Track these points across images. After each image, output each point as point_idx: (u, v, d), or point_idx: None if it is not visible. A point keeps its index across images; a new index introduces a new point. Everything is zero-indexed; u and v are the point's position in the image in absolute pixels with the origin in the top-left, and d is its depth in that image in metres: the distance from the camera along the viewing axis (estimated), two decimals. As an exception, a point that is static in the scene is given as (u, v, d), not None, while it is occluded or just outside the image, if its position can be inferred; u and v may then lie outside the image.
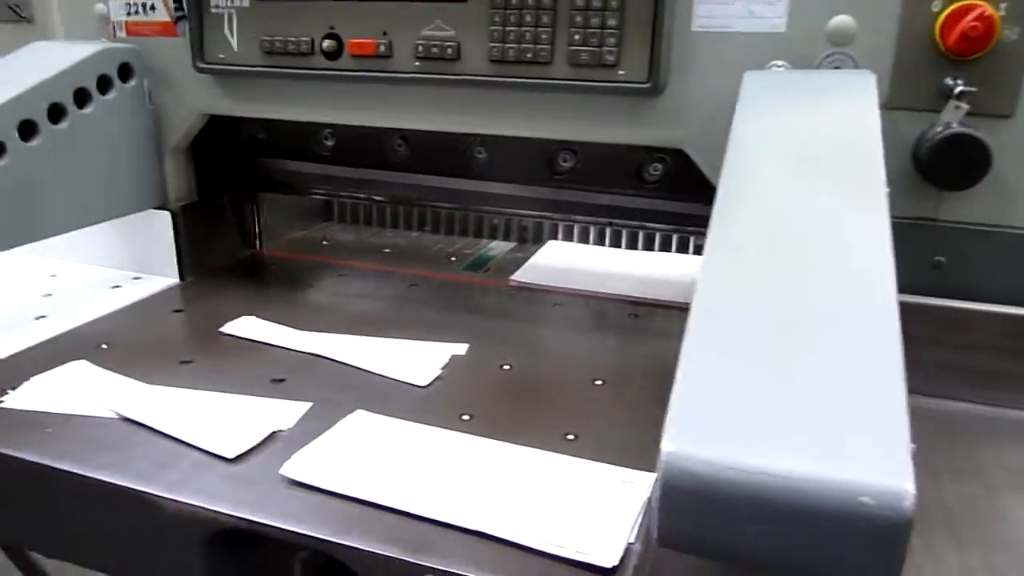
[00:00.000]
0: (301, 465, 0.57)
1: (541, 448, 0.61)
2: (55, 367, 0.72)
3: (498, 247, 1.16)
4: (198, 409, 0.65)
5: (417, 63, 0.79)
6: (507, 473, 0.57)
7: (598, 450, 0.61)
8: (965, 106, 0.64)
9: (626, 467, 0.58)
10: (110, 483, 0.56)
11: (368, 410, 0.66)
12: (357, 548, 0.50)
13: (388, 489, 0.54)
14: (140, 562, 0.57)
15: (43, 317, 0.85)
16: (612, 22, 0.71)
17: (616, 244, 1.14)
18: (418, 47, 0.78)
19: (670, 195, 0.88)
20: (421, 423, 0.64)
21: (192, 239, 0.98)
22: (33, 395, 0.68)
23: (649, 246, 1.13)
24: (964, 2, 0.63)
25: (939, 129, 0.65)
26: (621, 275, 1.02)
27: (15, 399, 0.67)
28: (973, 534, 0.52)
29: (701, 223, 0.70)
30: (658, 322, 0.90)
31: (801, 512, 0.33)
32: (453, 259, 1.11)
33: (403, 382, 0.72)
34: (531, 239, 1.19)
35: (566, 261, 1.08)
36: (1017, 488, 0.58)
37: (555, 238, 1.17)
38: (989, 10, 0.62)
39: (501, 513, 0.52)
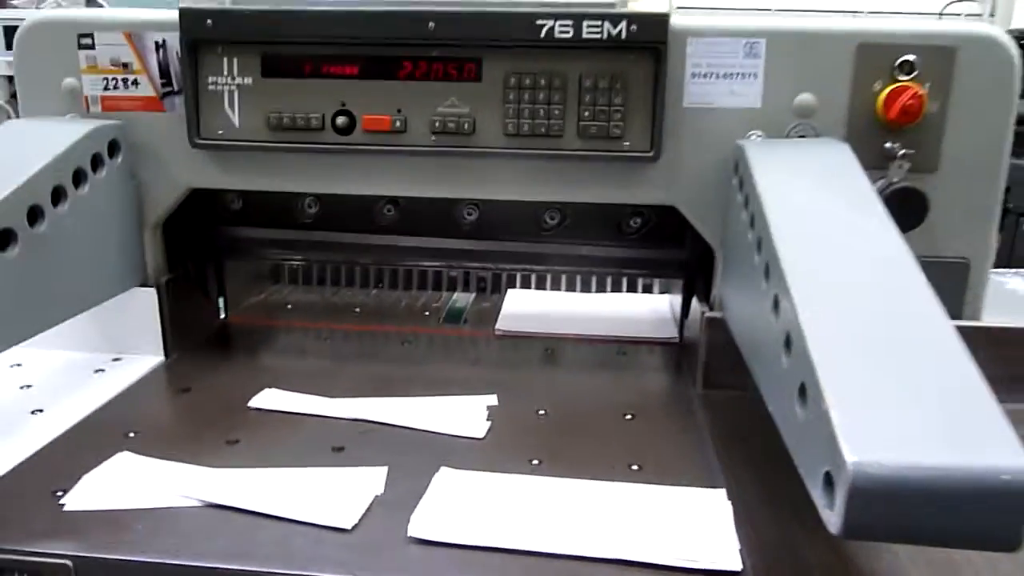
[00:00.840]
0: (424, 523, 0.60)
1: (618, 480, 0.68)
2: (93, 462, 0.69)
3: (462, 298, 1.22)
4: (283, 485, 0.66)
5: (433, 137, 0.84)
6: (607, 505, 0.64)
7: (663, 475, 0.69)
8: (906, 165, 0.81)
9: (696, 487, 0.67)
10: (244, 570, 0.56)
11: (443, 466, 0.70)
12: (516, 592, 0.54)
13: (514, 534, 0.59)
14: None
15: (40, 411, 0.80)
16: (617, 100, 0.82)
17: (570, 289, 1.24)
18: (434, 122, 0.84)
19: (644, 244, 0.99)
20: (502, 472, 0.69)
21: (173, 314, 0.96)
22: (92, 494, 0.65)
23: (601, 288, 1.23)
24: (900, 84, 0.80)
25: (886, 184, 0.81)
26: (591, 317, 1.11)
27: (75, 500, 0.64)
28: None
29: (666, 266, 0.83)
30: (643, 357, 1.00)
31: (960, 493, 0.43)
32: (427, 313, 1.15)
33: (461, 436, 0.76)
34: (489, 288, 1.25)
35: (534, 308, 1.16)
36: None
37: (512, 286, 1.25)
38: (920, 90, 0.79)
39: (625, 540, 0.58)
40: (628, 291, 1.23)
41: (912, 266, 0.60)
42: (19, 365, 0.92)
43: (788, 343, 0.56)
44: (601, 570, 0.57)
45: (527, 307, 1.16)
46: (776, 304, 0.61)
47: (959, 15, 6.41)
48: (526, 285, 1.25)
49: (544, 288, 1.24)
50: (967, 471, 0.43)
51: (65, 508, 0.63)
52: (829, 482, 0.46)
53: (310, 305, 1.19)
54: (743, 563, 0.57)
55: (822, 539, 0.61)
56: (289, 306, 1.18)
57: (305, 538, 0.60)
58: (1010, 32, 3.39)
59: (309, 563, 0.57)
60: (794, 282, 0.58)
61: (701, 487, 0.67)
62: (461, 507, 0.63)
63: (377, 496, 0.65)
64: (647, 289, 1.23)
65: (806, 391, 0.52)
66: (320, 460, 0.71)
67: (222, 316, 1.10)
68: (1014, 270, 3.74)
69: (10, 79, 4.28)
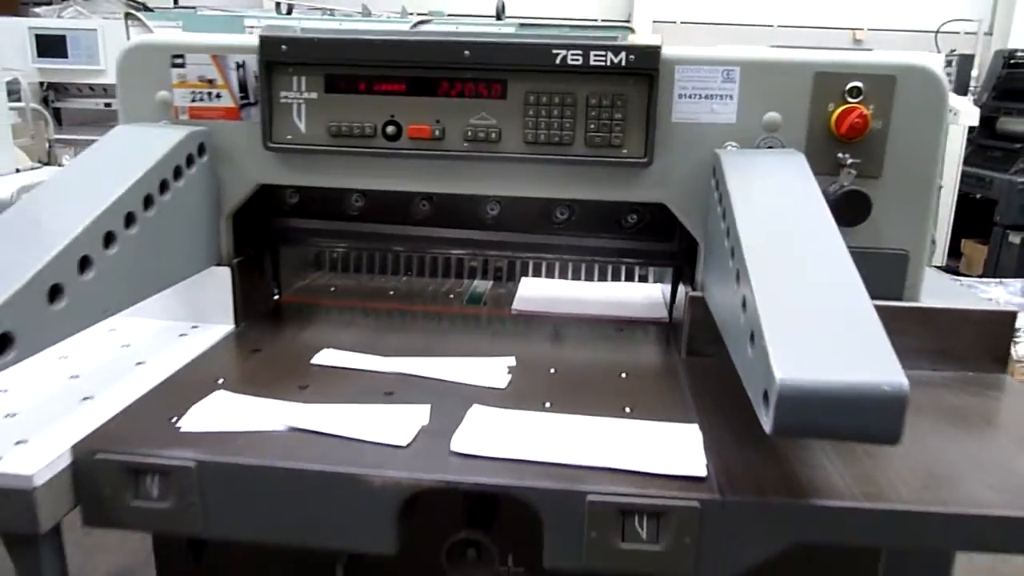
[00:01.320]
0: (462, 442, 0.78)
1: (615, 417, 0.86)
2: (195, 399, 0.87)
3: (481, 285, 1.40)
4: (349, 417, 0.84)
5: (465, 144, 1.02)
6: (606, 433, 0.81)
7: (649, 415, 0.87)
8: (854, 172, 0.98)
9: (675, 423, 0.84)
10: (329, 471, 0.74)
11: (475, 404, 0.87)
12: (535, 487, 0.72)
13: (530, 450, 0.77)
14: (346, 533, 0.75)
15: (142, 363, 0.98)
16: (618, 116, 1.00)
17: (576, 277, 1.42)
18: (467, 132, 1.02)
19: (640, 238, 1.17)
20: (521, 410, 0.87)
21: (242, 290, 1.14)
22: (200, 420, 0.83)
23: (603, 278, 1.41)
24: (849, 105, 0.98)
25: (838, 187, 0.99)
26: (593, 301, 1.29)
27: (188, 424, 0.82)
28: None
29: (658, 257, 1.00)
30: (637, 333, 1.18)
31: (856, 400, 0.61)
32: (451, 296, 1.33)
33: (487, 387, 0.94)
34: (504, 276, 1.43)
35: (545, 293, 1.34)
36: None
37: (525, 275, 1.42)
38: (866, 110, 0.97)
39: (621, 455, 0.76)
40: (626, 280, 1.41)
41: (840, 248, 0.77)
42: (114, 330, 1.09)
43: (744, 304, 0.74)
44: (597, 475, 0.74)
45: (539, 292, 1.34)
46: (738, 277, 0.79)
47: (957, 33, 6.59)
48: (537, 273, 1.42)
49: (553, 276, 1.42)
50: (860, 384, 0.61)
51: (181, 429, 0.81)
52: (766, 397, 0.64)
53: (350, 289, 1.37)
54: (708, 471, 0.75)
55: (773, 461, 0.78)
56: (332, 289, 1.36)
57: (372, 451, 0.78)
58: (999, 52, 3.56)
59: (379, 466, 0.75)
60: (750, 260, 0.76)
61: (679, 423, 0.85)
62: (490, 432, 0.81)
63: (423, 426, 0.83)
64: (643, 279, 1.40)
65: (754, 337, 0.69)
66: (375, 400, 0.89)
67: (276, 296, 1.28)
68: (998, 280, 3.90)
69: (41, 84, 4.49)
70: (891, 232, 1.02)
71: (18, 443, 0.77)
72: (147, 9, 5.47)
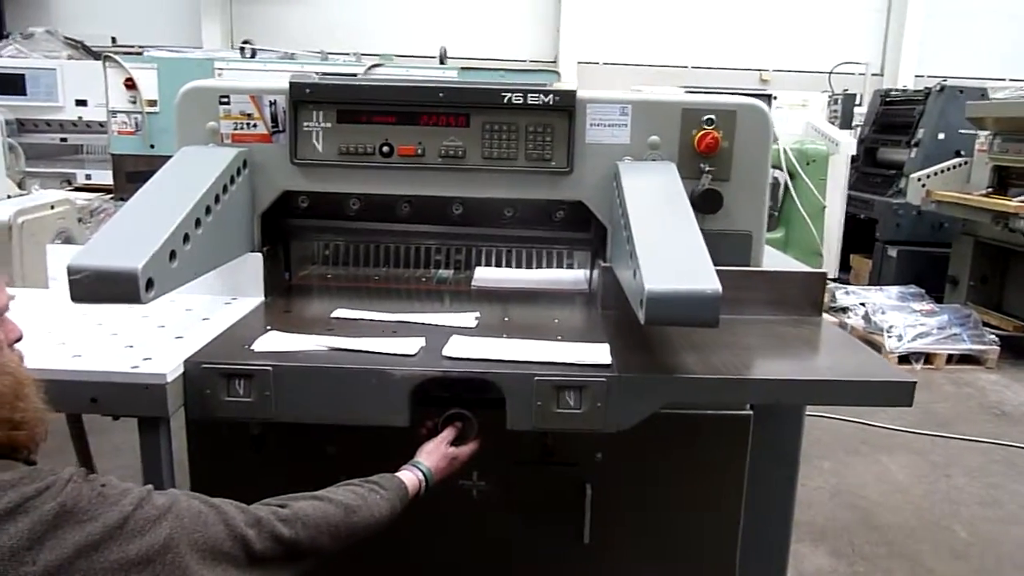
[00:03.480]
0: (453, 349, 1.18)
1: (552, 341, 1.26)
2: (257, 336, 1.23)
3: (444, 273, 1.79)
4: (369, 343, 1.22)
5: (440, 159, 1.43)
6: (546, 347, 1.22)
7: (576, 340, 1.28)
8: (710, 176, 1.43)
9: (593, 343, 1.25)
10: (364, 368, 1.12)
11: (454, 335, 1.27)
12: (501, 373, 1.12)
13: (500, 353, 1.17)
14: (374, 412, 1.13)
15: (207, 319, 1.34)
16: (548, 138, 1.42)
17: (519, 264, 1.82)
18: (441, 150, 1.43)
19: (565, 228, 1.59)
20: (488, 337, 1.26)
21: (269, 271, 1.50)
22: (266, 345, 1.19)
23: (539, 264, 1.82)
24: (705, 131, 1.43)
25: (700, 187, 1.43)
26: (534, 279, 1.70)
27: (258, 346, 1.18)
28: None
29: (580, 243, 1.44)
30: (567, 299, 1.59)
31: (690, 299, 1.03)
32: (423, 280, 1.72)
33: (462, 326, 1.33)
34: (463, 265, 1.83)
35: (495, 276, 1.74)
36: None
37: (480, 264, 1.82)
38: (717, 134, 1.42)
39: (556, 355, 1.16)
40: (557, 267, 1.83)
41: (692, 224, 1.21)
42: (174, 301, 1.44)
43: (631, 255, 1.16)
44: (541, 367, 1.14)
45: (490, 275, 1.74)
46: (628, 239, 1.21)
47: (851, 74, 7.37)
48: (489, 263, 1.83)
49: (501, 265, 1.82)
50: (694, 289, 1.04)
51: (255, 350, 1.18)
52: (641, 303, 1.06)
53: (344, 276, 1.74)
54: (611, 362, 1.16)
55: (653, 358, 1.20)
56: (329, 276, 1.73)
57: (390, 359, 1.16)
58: (877, 91, 4.19)
59: (396, 365, 1.13)
60: (636, 231, 1.18)
61: (595, 343, 1.26)
62: (469, 346, 1.20)
63: (422, 346, 1.22)
64: (569, 267, 1.82)
65: (635, 272, 1.11)
66: (386, 335, 1.27)
67: (290, 279, 1.64)
68: (879, 287, 4.54)
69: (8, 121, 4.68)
70: (738, 218, 1.47)
71: (145, 359, 1.12)
72: (86, 49, 5.69)
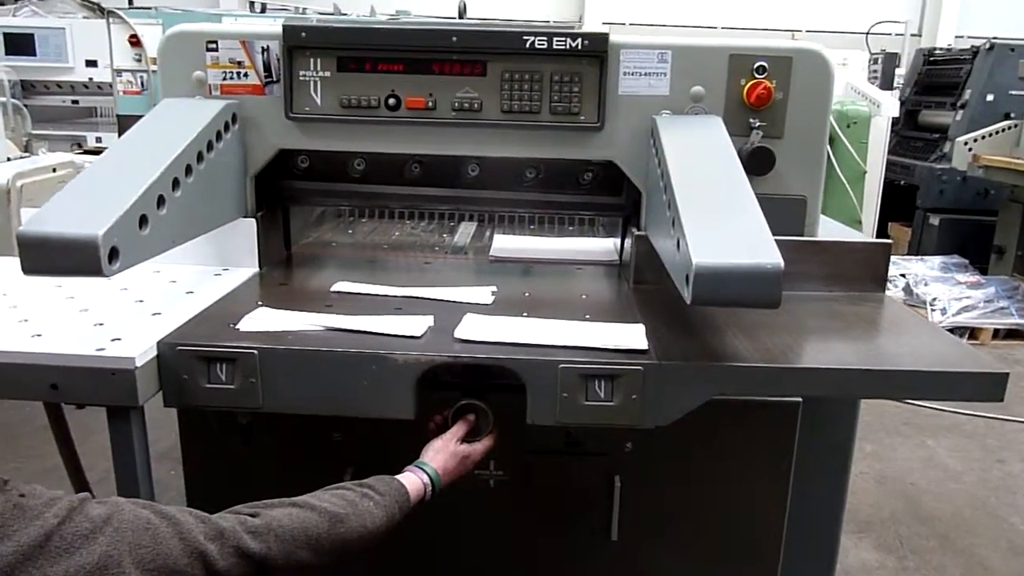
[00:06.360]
0: (465, 331, 1.02)
1: (579, 321, 1.10)
2: (245, 312, 1.09)
3: (461, 239, 1.63)
4: (370, 322, 1.06)
5: (453, 113, 1.26)
6: (571, 328, 1.06)
7: (606, 320, 1.12)
8: (761, 133, 1.25)
9: (626, 323, 1.09)
10: (362, 352, 0.97)
11: (468, 313, 1.11)
12: (520, 359, 0.96)
13: (518, 335, 1.01)
14: (375, 403, 0.98)
15: (191, 292, 1.19)
16: (576, 89, 1.25)
17: (540, 231, 1.66)
18: (455, 103, 1.26)
19: (594, 193, 1.42)
20: (505, 316, 1.11)
21: (264, 239, 1.35)
22: (253, 324, 1.05)
23: (564, 232, 1.66)
24: (757, 80, 1.24)
25: (749, 145, 1.25)
26: (557, 249, 1.54)
27: (245, 326, 1.04)
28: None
29: (610, 208, 1.25)
30: (595, 271, 1.43)
31: (748, 276, 0.86)
32: (437, 248, 1.56)
33: (477, 303, 1.18)
34: (485, 221, 1.67)
35: (515, 245, 1.58)
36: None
37: (500, 226, 1.66)
38: (769, 84, 1.24)
39: (584, 338, 1.01)
40: (585, 235, 1.66)
41: (744, 185, 1.03)
42: (159, 272, 1.30)
43: (673, 224, 1.00)
44: (566, 351, 0.98)
45: (508, 244, 1.58)
46: (670, 205, 1.04)
47: (888, 34, 7.03)
48: (511, 224, 1.66)
49: (523, 232, 1.66)
50: (751, 264, 0.87)
51: (241, 329, 1.03)
52: (688, 279, 0.89)
53: (348, 243, 1.59)
54: (648, 347, 1.00)
55: (697, 341, 1.04)
56: (333, 244, 1.58)
57: (393, 341, 1.01)
58: (920, 50, 3.93)
59: (400, 348, 0.98)
60: (679, 195, 1.01)
61: (628, 323, 1.10)
62: (484, 326, 1.05)
63: (429, 326, 1.06)
64: (598, 234, 1.66)
65: (679, 243, 0.95)
66: (389, 313, 1.12)
67: (285, 249, 1.49)
68: (919, 257, 4.30)
69: (10, 82, 4.56)
70: (792, 181, 1.29)
71: (114, 340, 0.98)
72: (102, 11, 5.54)
